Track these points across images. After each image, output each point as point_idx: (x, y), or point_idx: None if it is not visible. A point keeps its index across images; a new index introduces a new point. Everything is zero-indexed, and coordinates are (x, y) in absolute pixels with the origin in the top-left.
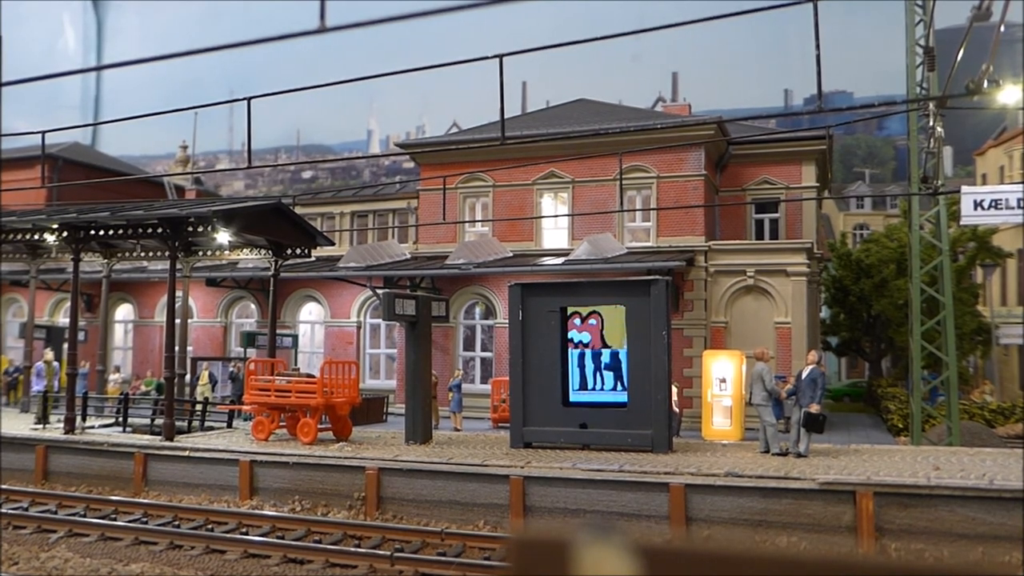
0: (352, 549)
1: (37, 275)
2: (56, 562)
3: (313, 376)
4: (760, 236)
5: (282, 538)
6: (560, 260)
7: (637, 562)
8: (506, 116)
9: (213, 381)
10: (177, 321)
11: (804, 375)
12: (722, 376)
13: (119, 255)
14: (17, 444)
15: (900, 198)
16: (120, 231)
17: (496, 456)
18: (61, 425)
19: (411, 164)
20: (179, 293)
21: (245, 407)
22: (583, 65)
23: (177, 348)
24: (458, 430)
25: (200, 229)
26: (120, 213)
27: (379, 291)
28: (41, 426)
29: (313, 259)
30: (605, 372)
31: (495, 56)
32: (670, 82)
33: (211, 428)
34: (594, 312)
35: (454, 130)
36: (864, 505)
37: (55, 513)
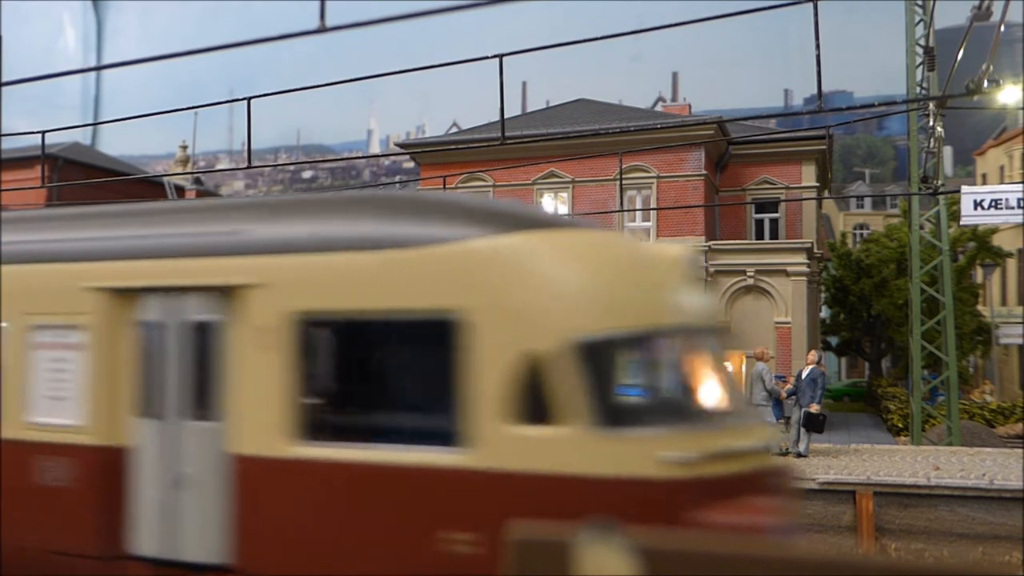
0: None
1: None
2: None
3: None
4: (760, 236)
5: None
6: None
7: (637, 562)
8: (506, 116)
9: None
10: None
11: (804, 375)
12: None
13: None
14: None
15: (900, 198)
16: None
17: None
18: None
19: (411, 164)
20: None
21: None
22: (583, 65)
23: None
24: None
25: None
26: None
27: None
28: None
29: None
30: None
31: (495, 56)
32: (670, 82)
33: None
34: None
35: (454, 130)
36: (864, 505)
37: None
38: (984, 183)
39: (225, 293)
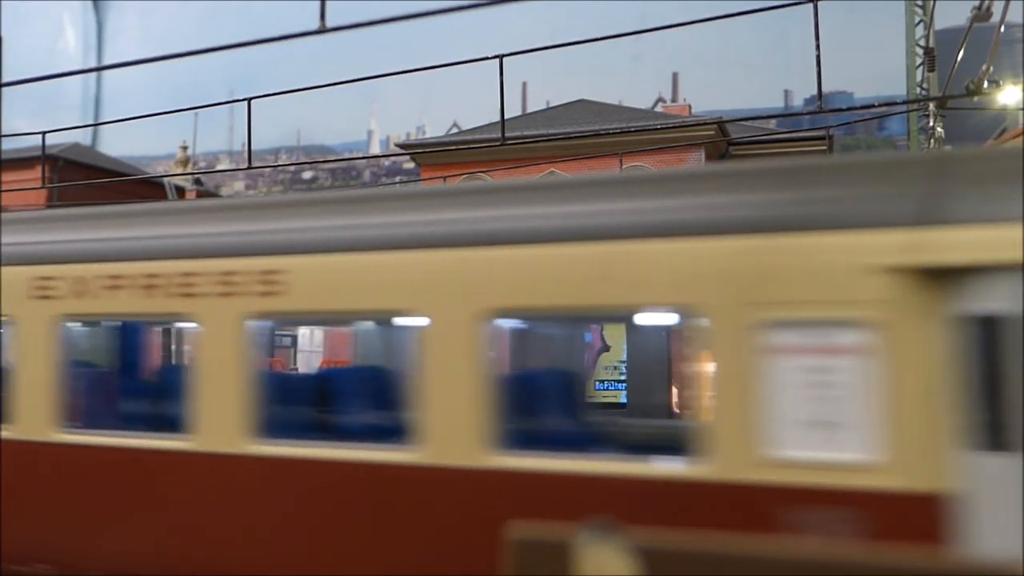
0: None
1: None
2: None
3: None
4: None
5: None
6: None
7: (637, 562)
8: (506, 116)
9: None
10: None
11: None
12: None
13: None
14: None
15: None
16: None
17: None
18: None
19: (411, 164)
20: None
21: None
22: (583, 65)
23: None
24: None
25: None
26: None
27: None
28: None
29: None
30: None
31: (495, 56)
32: (670, 82)
33: None
34: None
35: (454, 130)
36: None
37: None
38: None
39: None
